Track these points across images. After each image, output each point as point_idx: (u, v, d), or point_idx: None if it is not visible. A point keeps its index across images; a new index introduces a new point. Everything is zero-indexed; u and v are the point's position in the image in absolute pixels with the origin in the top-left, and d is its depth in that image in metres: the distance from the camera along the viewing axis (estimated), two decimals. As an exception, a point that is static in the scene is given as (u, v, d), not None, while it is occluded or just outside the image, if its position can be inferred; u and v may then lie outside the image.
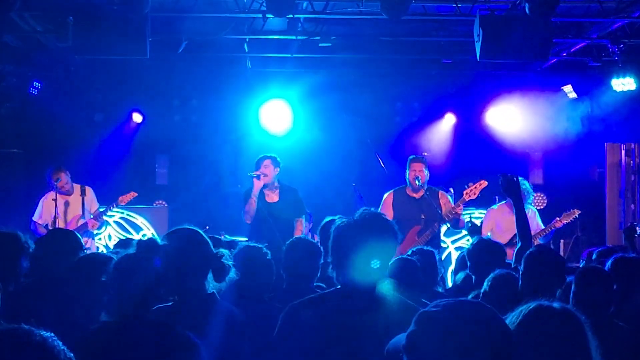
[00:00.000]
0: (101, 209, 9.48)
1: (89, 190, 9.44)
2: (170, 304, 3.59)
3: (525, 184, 9.02)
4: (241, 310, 3.71)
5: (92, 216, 9.30)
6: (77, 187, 9.41)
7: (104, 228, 10.72)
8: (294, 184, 8.91)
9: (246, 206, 8.44)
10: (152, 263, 3.31)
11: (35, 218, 9.27)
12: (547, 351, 2.35)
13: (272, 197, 8.60)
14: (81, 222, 9.21)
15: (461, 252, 6.89)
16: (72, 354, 1.84)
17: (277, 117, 12.23)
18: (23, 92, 11.13)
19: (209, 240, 3.66)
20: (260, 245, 4.74)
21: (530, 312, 2.42)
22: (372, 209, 3.34)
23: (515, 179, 5.27)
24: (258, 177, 8.42)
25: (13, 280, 4.31)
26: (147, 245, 3.38)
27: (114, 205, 9.53)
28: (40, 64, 11.19)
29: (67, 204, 9.32)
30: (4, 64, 10.62)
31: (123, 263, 3.33)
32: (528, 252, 4.48)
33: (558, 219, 9.03)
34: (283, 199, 8.59)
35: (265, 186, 8.50)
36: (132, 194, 9.43)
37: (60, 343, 1.83)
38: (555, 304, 2.45)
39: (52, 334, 1.83)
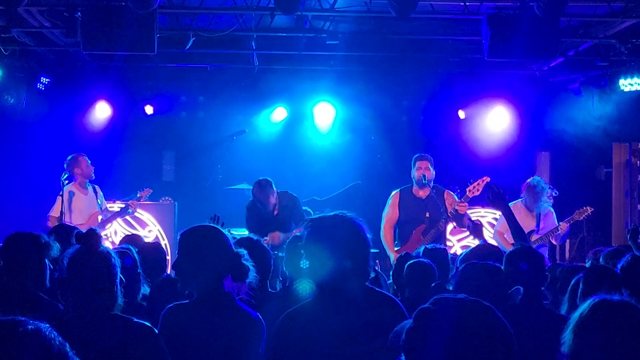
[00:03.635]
0: (112, 207, 9.77)
1: (98, 189, 9.72)
2: (187, 301, 3.59)
3: (541, 183, 9.07)
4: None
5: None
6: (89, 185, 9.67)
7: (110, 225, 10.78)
8: (300, 182, 8.97)
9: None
10: (107, 256, 3.31)
11: (53, 213, 9.34)
12: (614, 343, 2.35)
13: (274, 210, 8.83)
14: (101, 217, 9.53)
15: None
16: (66, 343, 1.85)
17: (282, 114, 12.26)
18: (30, 87, 11.15)
19: (230, 240, 3.65)
20: (256, 237, 4.78)
21: (592, 306, 2.42)
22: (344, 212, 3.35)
23: (500, 190, 5.32)
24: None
25: (38, 281, 4.30)
26: (89, 237, 3.31)
27: (135, 203, 9.86)
28: (47, 60, 11.22)
29: (86, 199, 9.52)
30: (11, 59, 10.65)
31: (74, 260, 3.29)
32: (509, 251, 4.48)
33: (569, 218, 9.00)
34: (282, 210, 8.81)
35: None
36: (148, 191, 9.76)
37: (55, 333, 1.84)
38: (615, 297, 2.45)
39: (47, 324, 1.84)
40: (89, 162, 9.48)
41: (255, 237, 4.82)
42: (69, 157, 9.45)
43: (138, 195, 9.80)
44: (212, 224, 3.74)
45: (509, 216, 5.17)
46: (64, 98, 11.74)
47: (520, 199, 9.20)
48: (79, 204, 9.45)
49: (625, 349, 2.34)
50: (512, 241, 8.69)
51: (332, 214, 3.31)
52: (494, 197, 5.28)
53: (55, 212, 9.34)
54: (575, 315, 2.45)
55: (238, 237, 4.80)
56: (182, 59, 11.35)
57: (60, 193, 9.32)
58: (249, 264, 3.63)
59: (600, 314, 2.39)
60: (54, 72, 11.35)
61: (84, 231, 3.37)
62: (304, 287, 3.26)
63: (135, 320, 3.32)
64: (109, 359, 3.14)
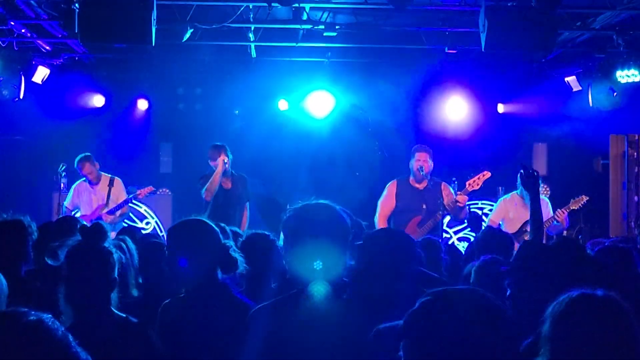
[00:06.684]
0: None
1: (117, 182, 9.98)
2: (181, 295, 3.58)
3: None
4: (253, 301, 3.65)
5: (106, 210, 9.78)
6: (105, 178, 9.95)
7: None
8: (298, 173, 9.03)
9: (208, 184, 9.08)
10: (107, 254, 3.28)
11: (66, 204, 9.82)
12: (593, 338, 2.35)
13: (227, 184, 9.31)
14: (104, 211, 9.68)
15: (470, 243, 6.90)
16: (68, 333, 1.87)
17: (279, 106, 12.27)
18: (27, 79, 11.13)
19: (218, 231, 3.64)
20: (267, 233, 4.72)
21: (572, 300, 2.42)
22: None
23: (535, 173, 5.25)
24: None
25: (22, 266, 4.32)
26: (93, 232, 3.28)
27: (131, 200, 10.08)
28: (44, 52, 11.19)
29: (93, 192, 9.86)
30: (8, 50, 10.63)
31: (73, 254, 3.26)
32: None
33: (565, 207, 8.98)
34: (236, 185, 9.32)
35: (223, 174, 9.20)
36: (150, 188, 10.02)
37: (58, 323, 1.86)
38: (598, 292, 2.44)
39: (50, 315, 1.86)
40: (94, 164, 9.85)
41: (271, 236, 4.70)
42: (77, 159, 9.86)
43: (137, 193, 10.01)
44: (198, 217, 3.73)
45: (536, 202, 5.12)
46: (61, 90, 11.72)
47: (515, 191, 9.19)
48: (85, 196, 9.87)
49: (607, 342, 2.34)
50: (505, 229, 8.78)
51: (314, 202, 3.10)
52: (527, 179, 5.21)
53: (69, 203, 9.86)
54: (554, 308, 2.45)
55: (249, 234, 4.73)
56: (180, 51, 11.33)
57: (74, 185, 9.92)
58: (237, 255, 3.62)
59: (579, 310, 2.39)
60: (51, 64, 11.33)
61: (88, 224, 3.35)
62: (319, 290, 3.02)
63: (129, 318, 3.33)
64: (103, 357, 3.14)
